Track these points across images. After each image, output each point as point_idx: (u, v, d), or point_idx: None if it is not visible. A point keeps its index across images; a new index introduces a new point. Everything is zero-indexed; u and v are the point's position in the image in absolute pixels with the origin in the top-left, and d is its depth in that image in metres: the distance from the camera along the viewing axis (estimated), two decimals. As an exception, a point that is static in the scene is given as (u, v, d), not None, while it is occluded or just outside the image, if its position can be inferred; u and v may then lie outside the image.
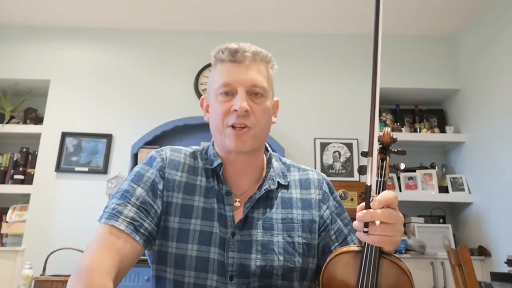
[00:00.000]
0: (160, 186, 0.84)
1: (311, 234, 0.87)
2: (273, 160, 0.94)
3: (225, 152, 0.88)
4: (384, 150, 0.71)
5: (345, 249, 0.74)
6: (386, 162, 0.70)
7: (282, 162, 0.97)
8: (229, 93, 0.84)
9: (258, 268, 0.80)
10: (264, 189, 0.87)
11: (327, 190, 0.94)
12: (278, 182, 0.90)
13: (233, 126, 0.83)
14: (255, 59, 0.87)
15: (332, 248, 0.87)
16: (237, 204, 0.87)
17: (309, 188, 0.93)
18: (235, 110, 0.81)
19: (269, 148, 0.96)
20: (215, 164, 0.88)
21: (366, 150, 0.66)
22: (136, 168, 0.88)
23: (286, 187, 0.91)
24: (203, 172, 0.89)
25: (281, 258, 0.81)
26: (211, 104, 0.88)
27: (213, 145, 0.93)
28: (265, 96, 0.86)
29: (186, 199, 0.85)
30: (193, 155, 0.93)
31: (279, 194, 0.89)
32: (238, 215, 0.85)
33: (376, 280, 0.67)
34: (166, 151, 0.91)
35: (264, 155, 0.94)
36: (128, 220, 0.77)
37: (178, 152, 0.92)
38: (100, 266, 0.69)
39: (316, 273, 0.88)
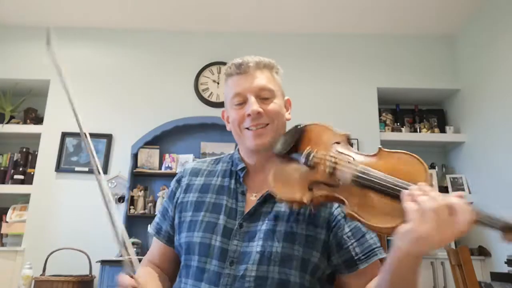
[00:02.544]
0: (177, 193, 1.01)
1: (316, 227, 0.87)
2: None
3: (248, 153, 0.97)
4: None
5: None
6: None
7: None
8: (241, 102, 0.94)
9: (258, 254, 0.83)
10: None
11: None
12: None
13: (248, 129, 0.92)
14: (259, 67, 0.95)
15: (347, 246, 0.86)
16: (253, 198, 0.93)
17: None
18: (249, 115, 0.91)
19: None
20: (239, 167, 0.98)
21: None
22: None
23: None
24: (220, 173, 1.01)
25: (279, 244, 0.84)
26: (229, 114, 0.99)
27: (238, 150, 1.03)
28: (273, 96, 0.95)
29: (200, 197, 0.97)
30: (216, 161, 1.06)
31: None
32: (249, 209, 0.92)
33: None
34: (191, 163, 1.07)
35: None
36: (155, 225, 1.03)
37: (202, 162, 1.07)
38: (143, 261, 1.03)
39: (330, 274, 0.89)
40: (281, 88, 1.00)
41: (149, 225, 1.08)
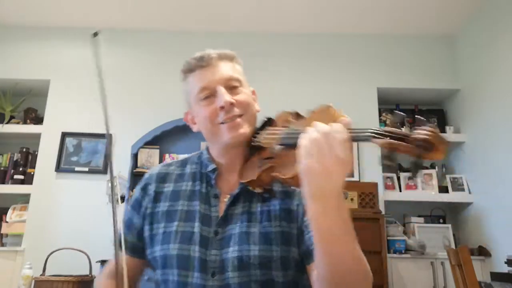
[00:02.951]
0: (144, 202, 0.94)
1: (288, 223, 0.84)
2: None
3: (222, 151, 0.91)
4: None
5: None
6: None
7: None
8: (210, 95, 0.88)
9: (235, 259, 0.80)
10: (240, 187, 0.87)
11: None
12: None
13: (223, 123, 0.86)
14: (221, 58, 0.91)
15: (305, 235, 0.83)
16: (226, 200, 0.88)
17: None
18: (222, 107, 0.85)
19: None
20: (209, 168, 0.92)
21: None
22: None
23: None
24: (190, 176, 0.94)
25: (256, 248, 0.81)
26: (196, 113, 0.92)
27: (207, 149, 0.96)
28: (241, 85, 0.91)
29: (171, 206, 0.90)
30: (183, 163, 0.99)
31: None
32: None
33: None
34: (156, 168, 0.99)
35: None
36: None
37: (168, 165, 0.99)
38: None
39: (303, 261, 0.85)
40: (245, 78, 0.95)
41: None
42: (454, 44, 3.31)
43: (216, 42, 3.40)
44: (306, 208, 0.71)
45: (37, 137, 3.07)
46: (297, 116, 0.86)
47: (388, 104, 3.36)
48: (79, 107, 3.15)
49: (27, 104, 3.25)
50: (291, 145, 0.73)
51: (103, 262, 2.41)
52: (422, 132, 0.57)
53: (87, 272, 2.55)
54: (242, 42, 3.32)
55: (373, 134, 0.62)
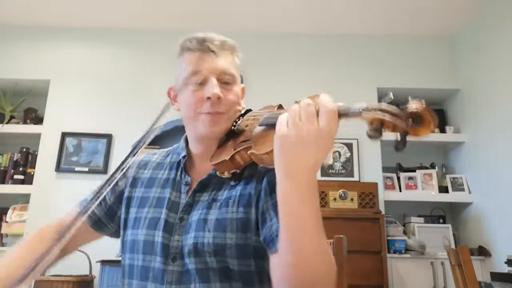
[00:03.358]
0: (121, 182, 0.96)
1: (249, 208, 0.82)
2: None
3: (196, 139, 0.91)
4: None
5: None
6: None
7: None
8: (199, 82, 0.86)
9: (191, 246, 0.79)
10: (209, 173, 0.88)
11: None
12: None
13: (205, 113, 0.86)
14: (223, 47, 0.89)
15: (267, 221, 0.79)
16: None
17: None
18: (208, 98, 0.84)
19: None
20: (180, 156, 0.93)
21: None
22: None
23: None
24: (168, 166, 0.96)
25: (210, 234, 0.79)
26: (181, 93, 0.92)
27: (184, 138, 0.97)
28: (234, 82, 0.90)
29: (146, 192, 0.92)
30: (167, 152, 1.02)
31: None
32: None
33: None
34: (142, 155, 1.02)
35: None
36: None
37: (152, 154, 1.03)
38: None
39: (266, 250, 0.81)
40: (239, 73, 0.94)
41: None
42: (454, 44, 3.31)
43: (216, 42, 3.41)
44: (275, 187, 0.68)
45: (37, 137, 3.07)
46: (281, 108, 0.86)
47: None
48: (79, 107, 3.15)
49: (27, 104, 3.25)
50: (271, 125, 0.72)
51: (103, 262, 2.41)
52: (414, 106, 0.57)
53: (87, 272, 2.56)
54: (242, 42, 3.31)
55: (363, 108, 0.61)
